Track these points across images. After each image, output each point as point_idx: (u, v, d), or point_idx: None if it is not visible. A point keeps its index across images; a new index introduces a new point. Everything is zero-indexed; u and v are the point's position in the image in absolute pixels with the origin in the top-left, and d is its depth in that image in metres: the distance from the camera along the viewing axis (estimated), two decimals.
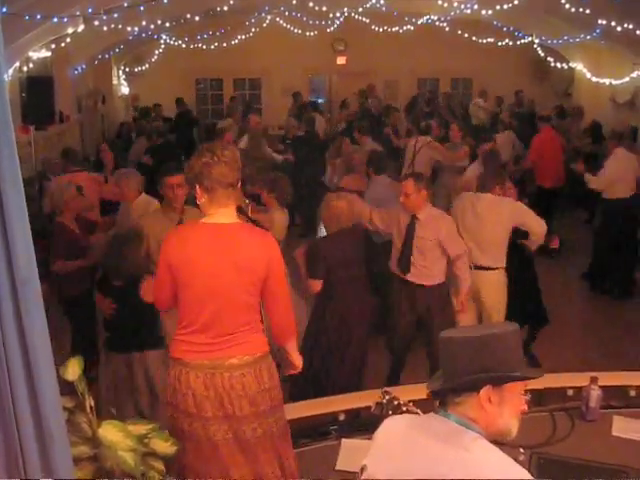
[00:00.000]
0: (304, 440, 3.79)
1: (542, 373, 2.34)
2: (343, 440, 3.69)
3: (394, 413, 3.06)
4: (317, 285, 5.46)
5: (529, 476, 2.16)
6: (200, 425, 3.42)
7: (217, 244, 3.39)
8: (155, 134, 11.47)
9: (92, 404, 2.64)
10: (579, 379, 4.12)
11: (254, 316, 3.53)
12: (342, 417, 3.86)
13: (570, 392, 4.13)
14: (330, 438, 3.77)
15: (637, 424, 3.88)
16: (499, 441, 2.24)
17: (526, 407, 2.26)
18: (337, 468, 3.48)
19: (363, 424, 3.63)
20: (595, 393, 3.88)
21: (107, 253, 5.18)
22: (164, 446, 2.76)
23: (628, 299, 8.67)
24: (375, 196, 6.97)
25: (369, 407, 3.35)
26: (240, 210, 4.34)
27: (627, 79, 14.01)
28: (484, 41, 16.18)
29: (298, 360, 3.88)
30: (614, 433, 3.82)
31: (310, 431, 3.84)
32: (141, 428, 2.73)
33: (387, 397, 3.24)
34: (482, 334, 2.18)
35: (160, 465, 2.73)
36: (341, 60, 18.55)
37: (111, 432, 2.60)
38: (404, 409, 3.16)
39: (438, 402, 2.28)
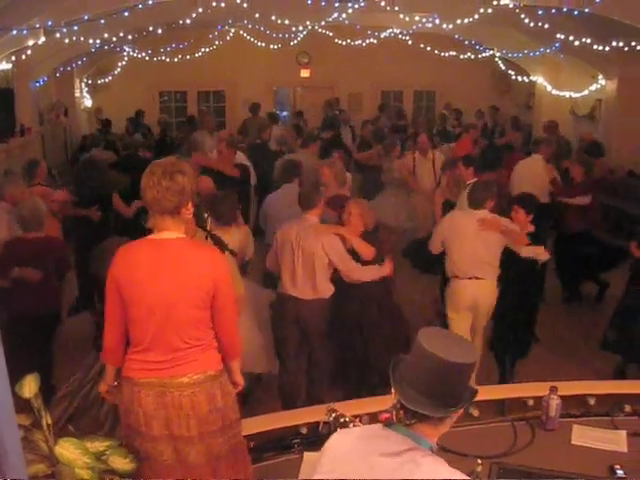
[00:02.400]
0: (267, 454, 3.77)
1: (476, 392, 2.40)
2: (305, 453, 3.67)
3: None
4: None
5: None
6: (150, 445, 3.36)
7: (160, 259, 3.34)
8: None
9: (49, 421, 2.61)
10: (539, 389, 4.15)
11: (205, 332, 3.47)
12: (304, 430, 3.84)
13: (530, 402, 4.16)
14: (293, 452, 3.76)
15: (596, 432, 3.93)
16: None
17: None
18: None
19: (326, 437, 3.62)
20: (554, 402, 3.92)
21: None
22: (123, 463, 2.74)
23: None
24: None
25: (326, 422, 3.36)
26: (199, 224, 4.32)
27: (586, 92, 14.26)
28: (446, 54, 16.39)
29: (241, 379, 3.81)
30: (573, 442, 3.86)
31: (273, 445, 3.82)
32: (99, 445, 2.71)
33: (333, 415, 3.25)
34: (465, 362, 2.21)
35: None
36: (305, 73, 18.61)
37: (68, 449, 2.57)
38: (351, 426, 3.16)
39: (402, 414, 2.26)
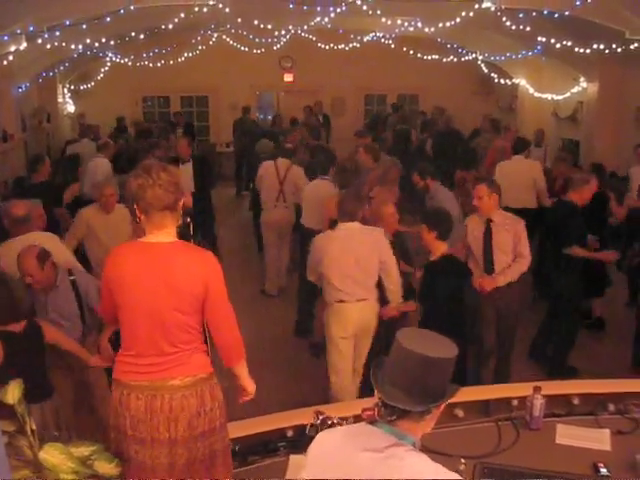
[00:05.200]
0: (253, 457, 3.77)
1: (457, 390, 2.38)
2: (291, 456, 3.68)
3: None
4: None
5: None
6: (136, 448, 3.37)
7: (151, 263, 3.34)
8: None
9: (33, 427, 2.61)
10: (523, 389, 4.17)
11: (195, 336, 3.47)
12: (290, 433, 3.85)
13: (515, 402, 4.18)
14: (279, 454, 3.76)
15: (580, 431, 3.96)
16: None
17: None
18: None
19: (311, 440, 3.63)
20: (538, 402, 3.95)
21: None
22: (108, 467, 2.74)
23: None
24: None
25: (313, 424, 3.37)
26: (182, 230, 4.31)
27: (568, 94, 14.36)
28: (429, 58, 16.46)
29: (250, 385, 3.78)
30: (557, 441, 3.89)
31: (259, 448, 3.82)
32: (84, 450, 2.70)
33: (320, 417, 3.26)
34: (441, 357, 2.23)
35: None
36: (288, 77, 18.63)
37: (53, 455, 2.57)
38: (338, 427, 3.17)
39: (383, 411, 2.28)
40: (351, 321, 5.79)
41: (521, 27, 11.26)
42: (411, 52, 16.25)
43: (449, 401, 2.34)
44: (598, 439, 3.88)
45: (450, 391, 2.26)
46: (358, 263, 5.72)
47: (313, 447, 2.40)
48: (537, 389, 3.98)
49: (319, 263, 5.82)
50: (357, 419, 3.19)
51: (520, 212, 7.12)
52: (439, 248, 5.81)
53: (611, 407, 4.26)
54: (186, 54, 16.02)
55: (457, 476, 2.19)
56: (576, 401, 4.28)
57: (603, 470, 3.53)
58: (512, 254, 6.25)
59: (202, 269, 3.42)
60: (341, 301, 5.77)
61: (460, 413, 4.11)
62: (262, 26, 13.49)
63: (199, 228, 7.81)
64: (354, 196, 6.24)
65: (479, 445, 3.77)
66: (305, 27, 14.33)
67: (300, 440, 3.71)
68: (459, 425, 4.05)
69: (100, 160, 10.26)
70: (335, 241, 5.79)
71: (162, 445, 3.37)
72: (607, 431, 3.96)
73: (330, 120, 16.14)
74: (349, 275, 5.72)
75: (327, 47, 16.27)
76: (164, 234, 3.40)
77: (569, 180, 7.31)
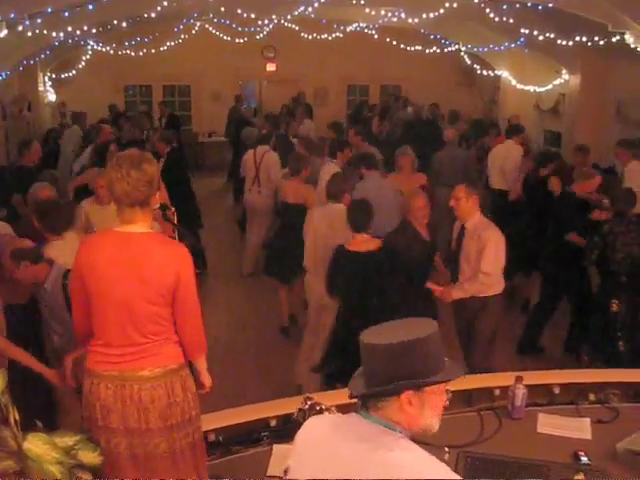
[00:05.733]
0: (236, 447, 3.77)
1: (462, 373, 2.35)
2: (275, 446, 3.69)
3: None
4: None
5: (451, 473, 2.20)
6: (105, 438, 3.35)
7: (123, 253, 3.31)
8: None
9: (17, 417, 2.59)
10: (505, 379, 4.21)
11: (166, 327, 3.44)
12: (273, 423, 3.86)
13: (497, 392, 4.21)
14: (262, 444, 3.77)
15: (561, 420, 4.00)
16: (424, 441, 2.28)
17: (447, 403, 2.32)
18: (269, 474, 3.48)
19: (294, 429, 3.64)
20: (520, 392, 3.98)
21: None
22: (91, 457, 2.73)
23: None
24: None
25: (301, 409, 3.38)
26: (165, 217, 4.30)
27: (550, 86, 14.42)
28: (412, 48, 16.47)
29: (207, 380, 3.78)
30: (539, 430, 3.92)
31: (242, 438, 3.82)
32: (68, 440, 2.70)
33: (309, 403, 3.27)
34: (402, 340, 2.18)
35: (88, 476, 2.70)
36: (271, 67, 18.57)
37: (37, 445, 2.56)
38: (326, 414, 3.18)
39: (360, 403, 2.30)
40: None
41: (504, 19, 11.30)
42: (394, 43, 16.26)
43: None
44: (579, 428, 3.92)
45: (418, 375, 2.19)
46: (324, 243, 6.00)
47: (301, 434, 2.41)
48: (519, 379, 4.01)
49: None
50: (342, 408, 3.19)
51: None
52: (356, 240, 5.72)
53: (591, 396, 4.31)
54: (169, 43, 15.94)
55: (447, 469, 2.19)
56: (557, 391, 4.32)
57: (584, 458, 3.57)
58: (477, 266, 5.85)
59: (174, 261, 3.40)
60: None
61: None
62: (245, 15, 13.43)
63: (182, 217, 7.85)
64: (339, 179, 6.31)
65: (462, 435, 3.79)
66: (288, 17, 14.28)
67: (284, 430, 3.72)
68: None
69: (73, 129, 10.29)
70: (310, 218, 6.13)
71: (132, 435, 3.37)
72: (587, 420, 4.01)
73: (312, 110, 16.10)
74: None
75: (310, 37, 16.24)
76: (138, 226, 3.38)
77: (576, 172, 7.46)
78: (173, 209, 4.49)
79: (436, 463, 2.16)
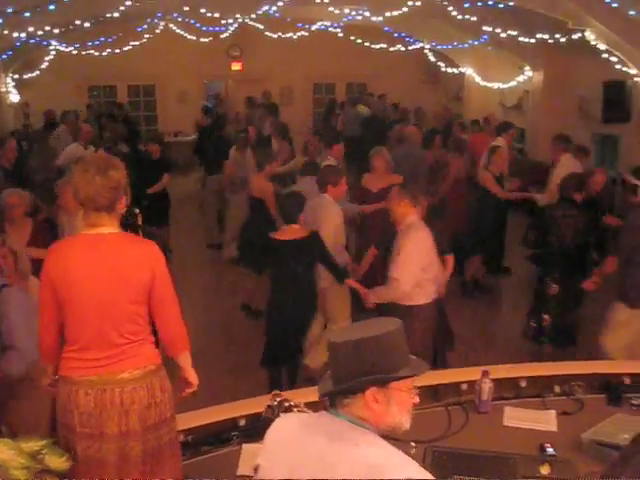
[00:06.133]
0: (205, 447, 3.77)
1: (427, 368, 2.36)
2: (244, 445, 3.69)
3: None
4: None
5: (416, 466, 2.21)
6: (86, 444, 3.30)
7: (96, 255, 3.29)
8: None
9: None
10: (472, 373, 4.24)
11: (143, 327, 3.43)
12: (242, 422, 3.86)
13: (464, 386, 4.25)
14: (231, 444, 3.76)
15: (526, 413, 4.05)
16: (391, 436, 2.30)
17: (417, 400, 2.32)
18: (239, 473, 3.48)
19: (264, 429, 3.65)
20: (487, 386, 4.02)
21: None
22: (58, 462, 2.72)
23: None
24: None
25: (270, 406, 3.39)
26: (127, 222, 4.26)
27: (514, 83, 14.56)
28: (377, 46, 16.52)
29: (193, 376, 3.73)
30: (505, 423, 3.96)
31: (211, 438, 3.82)
32: (34, 445, 2.68)
33: (278, 400, 3.28)
34: (363, 337, 2.19)
35: None
36: (236, 66, 18.54)
37: (2, 450, 2.54)
38: (295, 410, 3.19)
39: (329, 402, 2.31)
40: None
41: (467, 16, 11.39)
42: (359, 41, 16.32)
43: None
44: (545, 420, 3.98)
45: (386, 369, 2.20)
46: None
47: (270, 432, 2.41)
48: (485, 373, 4.05)
49: None
50: (314, 405, 3.20)
51: None
52: (286, 229, 5.97)
53: (557, 389, 4.37)
54: (132, 43, 15.83)
55: (412, 463, 2.21)
56: (523, 384, 4.37)
57: (550, 450, 3.62)
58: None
59: (148, 259, 3.39)
60: None
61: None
62: (209, 15, 13.37)
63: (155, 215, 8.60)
64: (325, 171, 6.88)
65: (429, 429, 3.82)
66: (253, 16, 14.27)
67: (252, 429, 3.72)
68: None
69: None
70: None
71: (112, 439, 3.32)
72: (553, 412, 4.06)
73: (278, 109, 16.06)
74: None
75: (275, 36, 16.25)
76: (106, 227, 3.36)
77: None
78: (138, 210, 4.48)
79: (401, 456, 2.18)
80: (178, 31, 16.02)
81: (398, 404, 2.25)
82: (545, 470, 2.99)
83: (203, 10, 12.87)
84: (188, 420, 3.81)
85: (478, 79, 16.00)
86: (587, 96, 12.34)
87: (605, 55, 10.59)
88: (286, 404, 3.23)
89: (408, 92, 16.97)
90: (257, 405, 3.77)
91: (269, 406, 3.30)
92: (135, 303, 3.35)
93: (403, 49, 16.62)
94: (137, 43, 15.83)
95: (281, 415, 2.89)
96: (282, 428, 2.41)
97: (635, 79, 10.81)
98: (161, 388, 3.45)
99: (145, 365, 3.40)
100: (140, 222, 4.46)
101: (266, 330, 6.10)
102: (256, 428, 3.68)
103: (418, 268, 5.49)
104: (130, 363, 3.35)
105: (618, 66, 10.73)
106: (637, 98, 11.07)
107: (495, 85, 15.45)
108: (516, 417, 4.01)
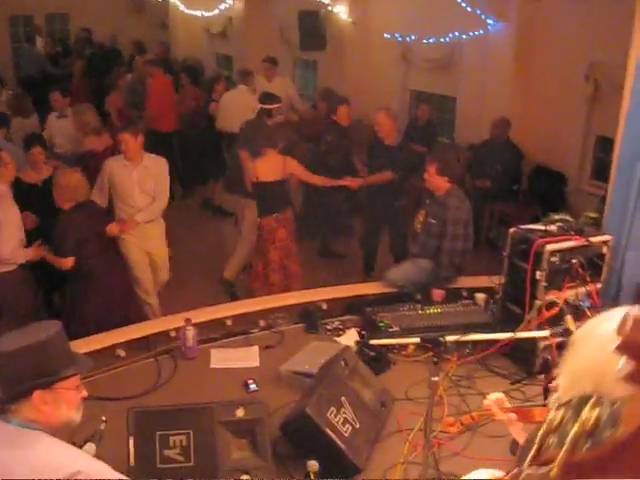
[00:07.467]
0: None
1: (89, 365, 2.46)
2: None
3: None
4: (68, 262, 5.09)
5: (88, 457, 2.30)
6: None
7: None
8: None
9: None
10: (178, 320, 4.33)
11: None
12: None
13: (173, 333, 4.35)
14: None
15: (232, 353, 4.26)
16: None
17: (85, 394, 2.39)
18: None
19: None
20: (190, 333, 4.15)
21: None
22: None
23: None
24: None
25: None
26: None
27: (217, 11, 14.54)
28: None
29: None
30: (212, 365, 4.15)
31: None
32: None
33: None
34: (26, 344, 2.23)
35: None
36: None
37: None
38: None
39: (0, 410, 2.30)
40: None
41: None
42: None
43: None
44: (249, 357, 4.21)
45: (48, 372, 2.26)
46: None
47: None
48: (187, 321, 4.17)
49: None
50: None
51: None
52: None
53: (262, 323, 4.62)
54: None
55: (87, 456, 2.30)
56: (230, 323, 4.57)
57: (252, 386, 3.86)
58: None
59: None
60: None
61: (122, 353, 4.19)
62: None
63: None
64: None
65: (139, 384, 3.90)
66: None
67: None
68: (121, 366, 4.13)
69: None
70: None
71: None
72: (256, 348, 4.31)
73: None
74: None
75: None
76: None
77: None
78: None
79: (77, 453, 2.28)
80: None
81: (66, 402, 2.31)
82: (240, 413, 3.18)
83: None
84: None
85: (182, 7, 15.74)
86: (286, 24, 12.64)
87: None
88: None
89: (110, 22, 16.27)
90: None
91: None
92: None
93: None
94: None
95: None
96: None
97: (328, 8, 11.22)
98: None
99: None
100: None
101: None
102: None
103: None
104: None
105: None
106: (331, 27, 11.52)
107: (199, 13, 15.31)
108: (222, 358, 4.20)
